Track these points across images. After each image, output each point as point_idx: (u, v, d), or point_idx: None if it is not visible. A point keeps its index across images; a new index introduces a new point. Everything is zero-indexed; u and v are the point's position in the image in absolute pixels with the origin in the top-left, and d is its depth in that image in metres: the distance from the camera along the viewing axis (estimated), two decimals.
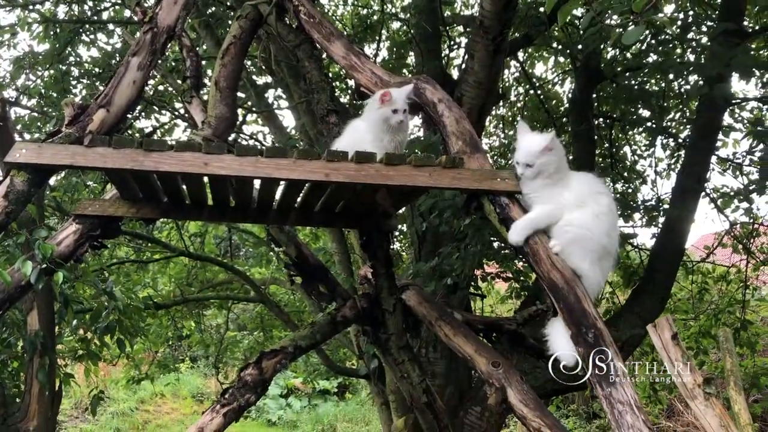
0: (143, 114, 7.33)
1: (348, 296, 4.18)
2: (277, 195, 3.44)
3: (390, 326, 3.92)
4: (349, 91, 7.59)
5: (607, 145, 8.58)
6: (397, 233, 8.37)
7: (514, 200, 2.85)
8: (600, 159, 8.36)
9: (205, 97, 4.13)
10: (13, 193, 2.77)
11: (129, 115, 4.10)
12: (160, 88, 7.44)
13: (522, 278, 7.64)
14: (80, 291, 4.94)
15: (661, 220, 6.71)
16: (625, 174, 9.00)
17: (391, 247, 4.64)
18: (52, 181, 6.15)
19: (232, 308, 10.17)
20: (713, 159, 7.63)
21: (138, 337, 5.09)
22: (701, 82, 5.61)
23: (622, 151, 9.22)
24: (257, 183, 3.37)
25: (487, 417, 5.24)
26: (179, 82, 4.41)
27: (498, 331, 4.60)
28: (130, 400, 13.37)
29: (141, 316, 4.83)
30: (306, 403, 14.17)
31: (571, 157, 7.79)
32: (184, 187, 3.38)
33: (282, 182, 3.05)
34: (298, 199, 3.49)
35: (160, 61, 3.74)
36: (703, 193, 7.41)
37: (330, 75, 5.92)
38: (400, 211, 6.96)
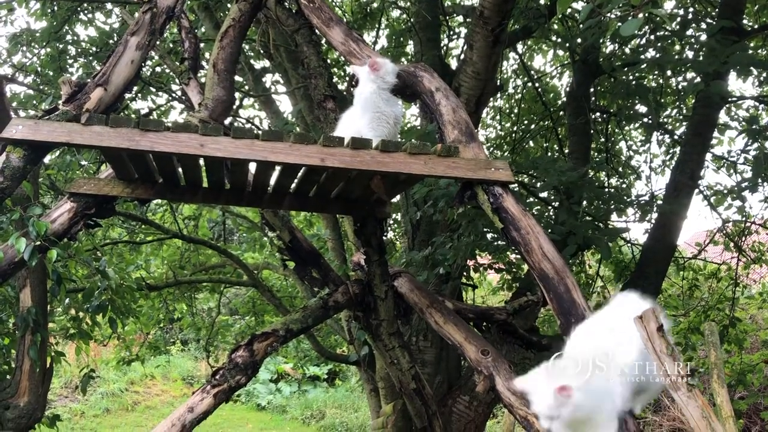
0: (140, 95, 7.31)
1: (340, 282, 4.19)
2: (272, 179, 3.45)
3: (381, 312, 3.95)
4: (347, 78, 7.59)
5: (602, 139, 8.62)
6: (391, 222, 8.41)
7: (507, 190, 2.87)
8: (595, 153, 8.39)
9: (203, 80, 4.13)
10: (9, 169, 2.77)
11: (126, 95, 4.10)
12: (158, 69, 7.42)
13: (514, 270, 7.69)
14: (73, 271, 4.94)
15: (654, 216, 6.75)
16: (620, 169, 9.05)
17: (385, 235, 4.66)
18: (46, 159, 6.14)
19: (224, 292, 10.19)
20: (708, 156, 7.68)
21: (130, 317, 5.09)
22: (698, 79, 5.64)
23: (617, 146, 9.27)
24: (252, 167, 3.39)
25: (475, 406, 5.30)
26: (177, 63, 4.40)
27: (488, 320, 4.64)
28: (120, 381, 13.40)
29: (133, 296, 4.84)
30: (296, 388, 14.23)
31: (566, 151, 7.84)
32: (180, 168, 3.39)
33: (278, 166, 3.06)
34: (293, 184, 3.50)
35: (158, 42, 3.74)
36: (697, 190, 7.46)
37: (328, 61, 5.91)
38: (395, 200, 6.99)
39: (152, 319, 9.22)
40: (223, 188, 3.62)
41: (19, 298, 3.98)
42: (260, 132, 2.83)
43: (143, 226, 7.58)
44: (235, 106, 6.86)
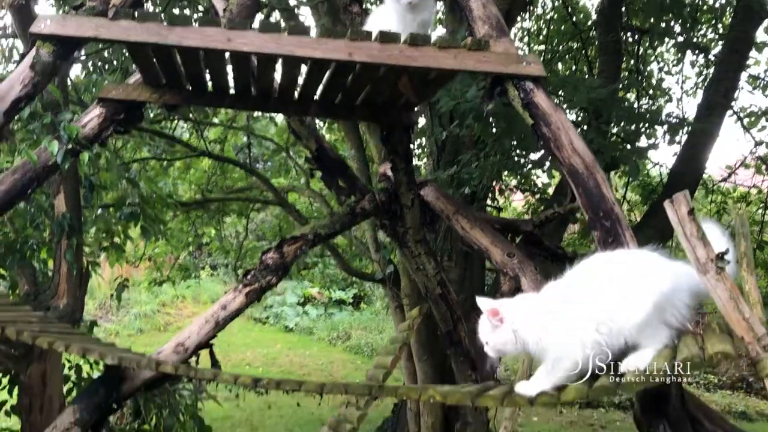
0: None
1: (367, 191, 4.22)
2: (299, 82, 3.43)
3: (408, 220, 3.97)
4: None
5: (633, 61, 8.38)
6: (414, 147, 8.36)
7: (539, 85, 2.83)
8: (626, 74, 8.18)
9: None
10: (40, 64, 2.80)
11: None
12: None
13: (539, 193, 7.66)
14: (104, 181, 5.01)
15: (684, 138, 6.63)
16: (650, 92, 8.83)
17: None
18: (72, 75, 6.17)
19: (252, 218, 10.33)
20: (743, 76, 7.46)
21: (160, 236, 5.19)
22: None
23: (649, 68, 9.02)
24: (278, 74, 3.38)
25: None
26: None
27: (514, 232, 4.63)
28: (151, 303, 13.84)
29: (163, 205, 4.92)
30: (322, 311, 14.57)
31: (596, 72, 7.65)
32: (207, 72, 3.39)
33: (304, 65, 3.03)
34: (320, 89, 3.48)
35: None
36: (730, 111, 7.28)
37: None
38: (420, 123, 6.92)
39: (182, 242, 9.41)
40: (250, 94, 3.61)
41: (54, 205, 4.07)
42: (287, 26, 2.80)
43: (171, 145, 7.62)
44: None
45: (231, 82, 3.53)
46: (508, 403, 2.17)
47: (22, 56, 3.03)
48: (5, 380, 4.55)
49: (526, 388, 2.12)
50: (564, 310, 2.15)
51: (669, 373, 1.94)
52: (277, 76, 3.37)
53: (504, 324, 2.14)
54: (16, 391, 4.33)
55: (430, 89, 3.47)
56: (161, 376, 3.19)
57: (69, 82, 5.39)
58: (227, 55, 2.94)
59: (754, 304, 2.18)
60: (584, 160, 2.67)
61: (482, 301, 2.20)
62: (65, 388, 4.55)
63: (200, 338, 3.33)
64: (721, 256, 2.04)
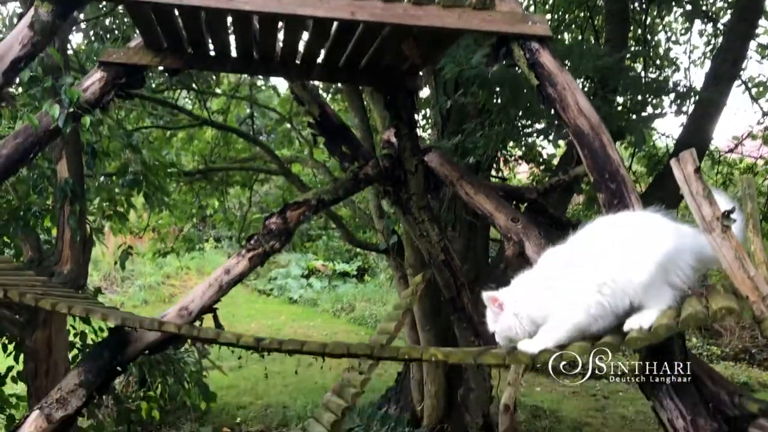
0: None
1: (370, 157, 4.19)
2: (301, 45, 3.39)
3: (411, 186, 3.95)
4: None
5: (641, 30, 8.26)
6: (419, 119, 8.30)
7: (544, 45, 2.78)
8: (633, 42, 8.07)
9: None
10: (39, 23, 2.76)
11: None
12: None
13: (543, 163, 7.60)
14: (108, 152, 4.99)
15: (692, 108, 6.56)
16: (658, 62, 8.72)
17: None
18: (74, 43, 6.11)
19: (256, 190, 10.30)
20: (752, 45, 7.34)
21: (165, 197, 5.18)
22: None
23: (656, 37, 8.89)
24: (280, 38, 3.33)
25: None
26: None
27: (518, 199, 4.61)
28: (156, 275, 13.90)
29: (166, 173, 4.90)
30: (326, 283, 14.62)
31: (602, 41, 7.54)
32: (209, 35, 3.34)
33: (307, 25, 2.99)
34: (322, 51, 3.44)
35: None
36: (738, 82, 7.18)
37: None
38: (424, 93, 6.84)
39: (185, 213, 9.40)
40: (252, 58, 3.57)
41: (56, 171, 4.06)
42: None
43: (175, 115, 7.57)
44: None
45: (233, 46, 3.49)
46: (510, 361, 2.18)
47: (21, 16, 3.00)
48: (11, 347, 4.59)
49: (528, 345, 2.12)
50: (565, 276, 2.16)
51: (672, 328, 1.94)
52: (280, 39, 3.33)
53: (505, 310, 2.18)
54: (22, 357, 4.37)
55: (434, 51, 3.42)
56: (165, 339, 3.20)
57: (71, 50, 5.35)
58: (229, 18, 2.90)
59: (760, 265, 2.17)
60: (590, 120, 2.64)
61: (484, 294, 2.22)
62: (71, 356, 4.58)
63: (204, 302, 3.34)
64: (727, 215, 2.02)
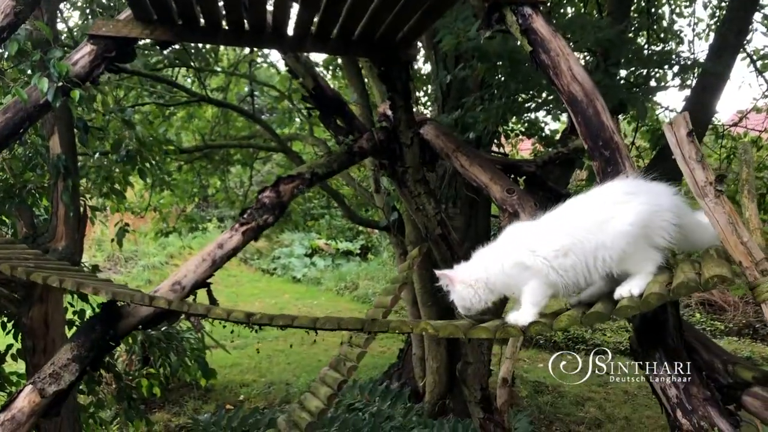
0: None
1: (365, 130, 4.14)
2: (292, 15, 3.33)
3: (407, 159, 3.91)
4: None
5: (644, 2, 8.12)
6: (420, 95, 8.21)
7: (537, 10, 2.71)
8: (636, 15, 7.94)
9: None
10: None
11: None
12: None
13: (546, 140, 7.52)
14: (102, 128, 4.95)
15: (695, 81, 6.46)
16: (661, 35, 8.59)
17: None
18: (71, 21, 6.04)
19: (257, 170, 10.24)
20: (757, 17, 7.21)
21: (165, 176, 5.15)
22: None
23: (660, 10, 8.75)
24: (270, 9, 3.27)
25: None
26: None
27: (516, 173, 4.56)
28: (159, 255, 13.93)
29: (161, 149, 4.86)
30: (329, 262, 14.63)
31: (605, 14, 7.42)
32: (198, 7, 3.29)
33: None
34: (315, 20, 3.38)
35: None
36: (743, 54, 7.06)
37: None
38: (427, 68, 6.76)
39: (187, 192, 9.38)
40: (243, 29, 3.51)
41: (49, 146, 4.03)
42: None
43: (173, 93, 7.51)
44: None
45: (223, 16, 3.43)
46: (500, 335, 2.15)
47: None
48: (10, 325, 4.59)
49: (516, 318, 2.10)
50: (526, 243, 2.14)
51: (664, 297, 1.90)
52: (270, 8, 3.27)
53: (455, 284, 2.18)
54: (20, 335, 4.37)
55: (428, 18, 3.35)
56: (158, 314, 3.18)
57: (66, 27, 5.30)
58: None
59: (754, 231, 2.13)
60: (584, 87, 2.58)
61: (436, 272, 2.25)
62: (69, 333, 4.58)
63: (197, 276, 3.31)
64: (720, 179, 1.98)
